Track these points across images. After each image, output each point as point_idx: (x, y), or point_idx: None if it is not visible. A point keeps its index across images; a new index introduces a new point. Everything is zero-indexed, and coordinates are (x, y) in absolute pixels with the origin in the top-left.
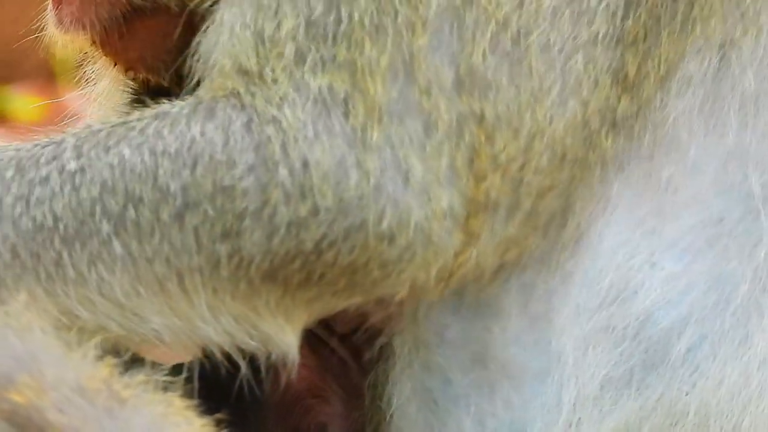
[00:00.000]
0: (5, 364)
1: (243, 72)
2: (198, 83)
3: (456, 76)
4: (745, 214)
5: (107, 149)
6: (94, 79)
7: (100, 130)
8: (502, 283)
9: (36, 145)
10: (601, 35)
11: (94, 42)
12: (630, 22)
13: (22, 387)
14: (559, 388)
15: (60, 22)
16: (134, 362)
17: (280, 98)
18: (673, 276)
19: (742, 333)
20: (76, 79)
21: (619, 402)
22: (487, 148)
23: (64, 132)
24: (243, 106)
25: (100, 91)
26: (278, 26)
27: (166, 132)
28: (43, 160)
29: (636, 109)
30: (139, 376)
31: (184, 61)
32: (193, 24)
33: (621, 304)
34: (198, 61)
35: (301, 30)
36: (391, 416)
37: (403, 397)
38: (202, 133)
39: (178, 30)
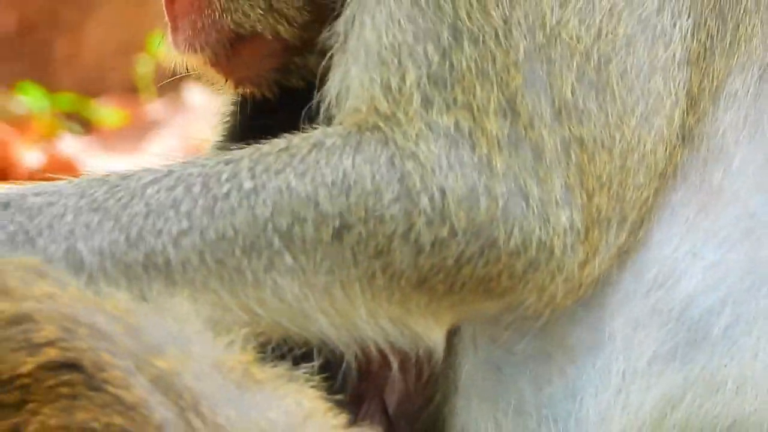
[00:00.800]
0: (158, 337)
1: (379, 114)
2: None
3: (552, 108)
4: None
5: (276, 173)
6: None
7: (269, 154)
8: None
9: (218, 163)
10: (677, 56)
11: (206, 62)
12: (695, 42)
13: (169, 356)
14: (609, 362)
15: (176, 45)
16: (274, 356)
17: (416, 135)
18: (712, 264)
19: None
20: (155, 92)
21: (664, 374)
22: (591, 168)
23: (241, 151)
24: (386, 141)
25: (216, 106)
26: (403, 79)
27: (323, 163)
28: (224, 177)
29: (696, 122)
30: (278, 369)
31: (286, 76)
32: (291, 46)
33: (666, 290)
34: (327, 100)
35: (424, 80)
36: (458, 385)
37: (471, 366)
38: (353, 166)
39: (278, 52)
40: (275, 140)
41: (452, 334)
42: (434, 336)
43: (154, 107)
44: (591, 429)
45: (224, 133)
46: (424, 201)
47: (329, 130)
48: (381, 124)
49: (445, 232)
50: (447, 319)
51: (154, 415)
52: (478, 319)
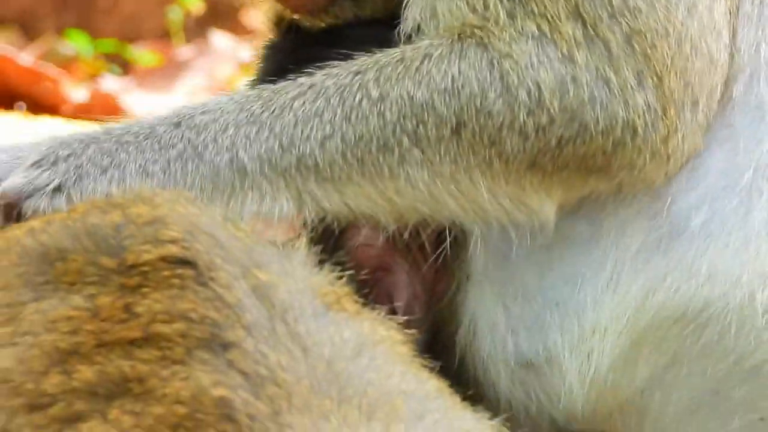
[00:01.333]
0: (266, 257)
1: (474, 27)
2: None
3: (610, 9)
4: (752, 121)
5: (397, 81)
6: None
7: (388, 65)
8: None
9: (348, 74)
10: None
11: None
12: None
13: (271, 271)
14: (604, 251)
15: None
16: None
17: (509, 39)
18: (692, 168)
19: (745, 209)
20: (184, 37)
21: (650, 261)
22: (655, 54)
23: (364, 63)
24: (485, 46)
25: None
26: (485, 2)
27: (434, 71)
28: (355, 88)
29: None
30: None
31: (360, 4)
32: None
33: (652, 193)
34: (412, 16)
35: (504, 0)
36: (471, 275)
37: (480, 257)
38: (459, 72)
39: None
40: (390, 51)
41: (465, 234)
42: (547, 211)
43: (184, 51)
44: (586, 310)
45: (263, 68)
46: (522, 94)
47: (435, 41)
48: (478, 32)
49: (544, 119)
50: (558, 195)
51: (245, 316)
52: (585, 195)
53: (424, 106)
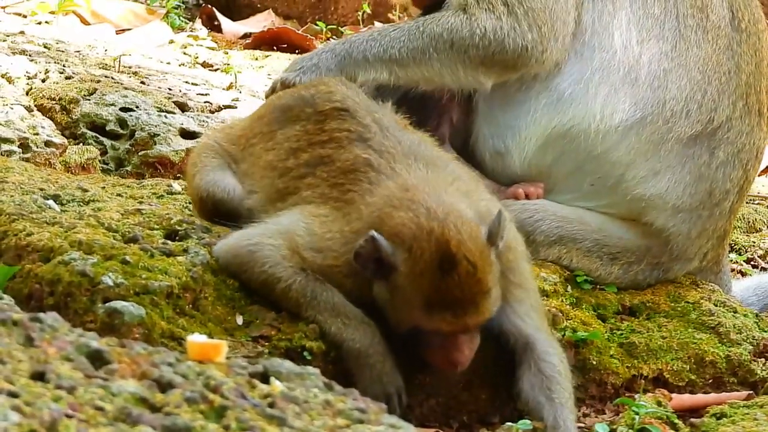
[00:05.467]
0: (375, 106)
1: (462, 6)
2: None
3: (518, 1)
4: (592, 40)
5: (431, 25)
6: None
7: (429, 19)
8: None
9: (414, 22)
10: None
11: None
12: None
13: (377, 112)
14: (530, 103)
15: None
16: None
17: (475, 11)
18: (564, 65)
19: (588, 87)
20: None
21: (549, 108)
22: (538, 16)
23: (420, 19)
24: (465, 12)
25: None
26: None
27: (444, 21)
28: (414, 27)
29: None
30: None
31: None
32: None
33: (545, 80)
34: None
35: None
36: (473, 113)
37: (477, 106)
38: (454, 22)
39: None
40: (431, 14)
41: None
42: (488, 84)
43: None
44: (523, 129)
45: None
46: (478, 31)
47: (448, 12)
48: (464, 8)
49: (485, 42)
50: (493, 78)
51: (372, 128)
52: (511, 78)
53: (439, 35)
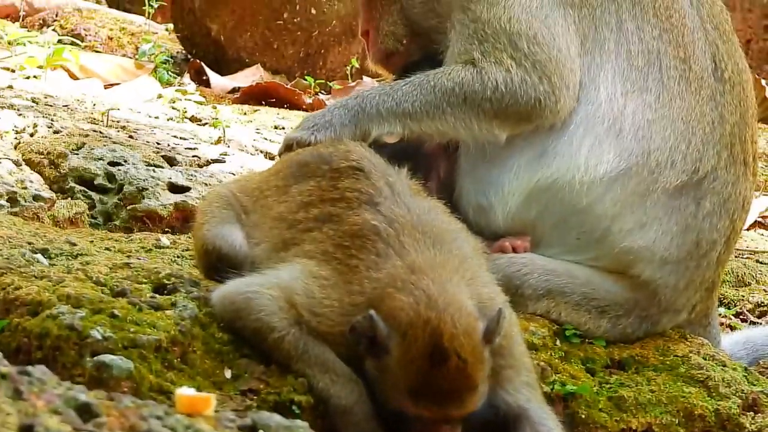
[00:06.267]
0: (390, 169)
1: (468, 59)
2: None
3: (525, 53)
4: (587, 97)
5: (441, 79)
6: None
7: (437, 73)
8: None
9: (428, 81)
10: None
11: (380, 65)
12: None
13: (392, 175)
14: (513, 159)
15: (369, 57)
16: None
17: (483, 63)
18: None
19: (576, 144)
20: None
21: (533, 163)
22: (547, 68)
23: (429, 73)
24: (474, 66)
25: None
26: (482, 53)
27: (455, 75)
28: (425, 82)
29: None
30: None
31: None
32: (422, 44)
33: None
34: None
35: (477, 49)
36: (459, 167)
37: (462, 159)
38: (464, 75)
39: (414, 54)
40: (438, 69)
41: (457, 147)
42: (502, 137)
43: (353, 85)
44: (506, 185)
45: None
46: (490, 84)
47: (455, 66)
48: (471, 61)
49: (498, 95)
50: (507, 131)
51: (384, 192)
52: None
53: (451, 90)
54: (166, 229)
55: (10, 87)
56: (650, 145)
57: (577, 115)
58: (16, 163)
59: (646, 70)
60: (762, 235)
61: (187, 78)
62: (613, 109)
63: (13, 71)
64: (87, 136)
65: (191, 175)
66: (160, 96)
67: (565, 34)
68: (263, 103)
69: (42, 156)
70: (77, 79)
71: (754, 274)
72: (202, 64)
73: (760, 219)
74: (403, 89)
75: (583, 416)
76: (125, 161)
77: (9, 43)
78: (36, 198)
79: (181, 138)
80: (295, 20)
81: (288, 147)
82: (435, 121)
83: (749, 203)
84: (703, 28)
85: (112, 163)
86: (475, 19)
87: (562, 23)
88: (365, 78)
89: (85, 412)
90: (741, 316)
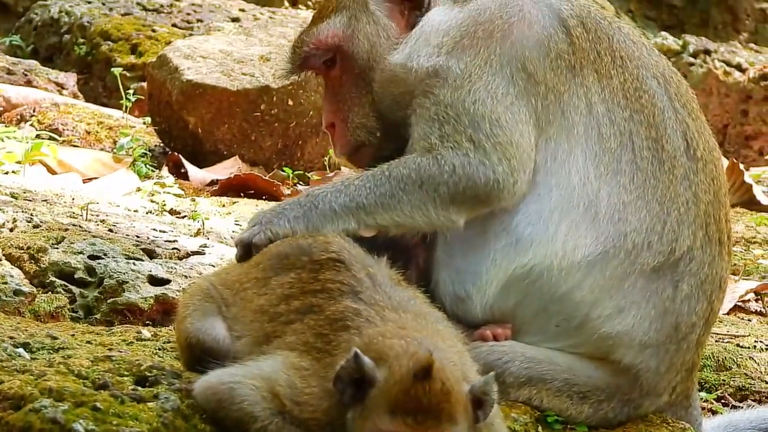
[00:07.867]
0: (370, 259)
1: (426, 148)
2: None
3: (484, 136)
4: (546, 180)
5: (397, 169)
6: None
7: (395, 164)
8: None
9: (383, 173)
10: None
11: (348, 159)
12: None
13: (371, 267)
14: (488, 246)
15: (335, 150)
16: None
17: (441, 150)
18: (522, 205)
19: (549, 227)
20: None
21: (509, 250)
22: (507, 151)
23: (385, 165)
24: (431, 153)
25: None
26: (440, 137)
27: (411, 164)
28: (379, 173)
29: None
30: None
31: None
32: (393, 137)
33: (505, 216)
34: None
35: (437, 137)
36: (435, 257)
37: (438, 248)
38: (421, 163)
39: (384, 148)
40: (397, 159)
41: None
42: (461, 222)
43: (330, 176)
44: (483, 274)
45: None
46: (447, 169)
47: (414, 155)
48: (429, 149)
49: (455, 179)
50: (465, 215)
51: (364, 283)
52: (479, 214)
53: (407, 177)
54: (147, 322)
55: None
56: (626, 227)
57: (551, 200)
58: None
59: (619, 152)
60: (742, 319)
61: (165, 171)
62: (587, 192)
63: None
64: (66, 230)
65: (171, 268)
66: (138, 189)
67: (526, 123)
68: (242, 194)
69: (22, 251)
70: (56, 173)
71: (734, 358)
72: (180, 156)
73: (740, 303)
74: (356, 183)
75: None
76: (105, 254)
77: None
78: (16, 293)
79: (160, 231)
80: (272, 111)
81: (247, 252)
82: (390, 211)
83: (726, 283)
84: (672, 107)
85: (92, 257)
86: (437, 102)
87: (525, 112)
88: (343, 168)
89: None
90: (722, 401)
